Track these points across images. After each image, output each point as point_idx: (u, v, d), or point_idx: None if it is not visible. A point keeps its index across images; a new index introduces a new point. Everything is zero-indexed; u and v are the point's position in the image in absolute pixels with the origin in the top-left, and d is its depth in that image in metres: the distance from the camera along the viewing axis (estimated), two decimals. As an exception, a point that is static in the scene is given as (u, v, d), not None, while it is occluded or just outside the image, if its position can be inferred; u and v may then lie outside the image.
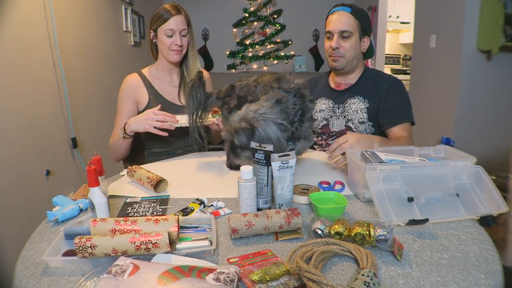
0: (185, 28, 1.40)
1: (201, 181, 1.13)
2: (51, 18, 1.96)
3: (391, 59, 5.21)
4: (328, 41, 1.41)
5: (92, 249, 0.63)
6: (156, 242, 0.64)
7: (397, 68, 5.11)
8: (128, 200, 0.97)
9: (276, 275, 0.60)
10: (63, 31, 2.13)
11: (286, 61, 4.89)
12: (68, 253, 0.69)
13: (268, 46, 4.82)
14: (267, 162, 0.85)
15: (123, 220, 0.70)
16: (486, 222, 0.81)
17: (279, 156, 0.85)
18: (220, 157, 1.37)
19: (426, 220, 0.76)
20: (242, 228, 0.74)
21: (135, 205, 0.94)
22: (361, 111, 1.41)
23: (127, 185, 1.09)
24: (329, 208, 0.84)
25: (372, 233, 0.68)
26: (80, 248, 0.63)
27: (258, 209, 0.87)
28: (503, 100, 2.81)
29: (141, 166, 1.16)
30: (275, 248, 0.72)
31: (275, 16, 4.68)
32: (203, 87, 1.21)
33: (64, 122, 2.11)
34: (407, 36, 4.96)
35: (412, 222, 0.77)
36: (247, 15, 4.70)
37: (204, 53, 4.83)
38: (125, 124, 1.31)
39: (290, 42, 4.83)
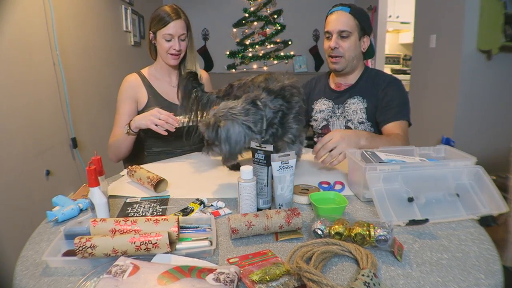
0: (184, 32, 1.41)
1: (201, 181, 1.13)
2: (51, 18, 1.96)
3: (391, 59, 5.21)
4: (327, 41, 1.40)
5: (92, 249, 0.63)
6: (156, 242, 0.64)
7: (397, 68, 5.11)
8: (128, 200, 0.97)
9: (276, 275, 0.60)
10: (63, 31, 2.13)
11: (286, 61, 4.89)
12: (68, 253, 0.69)
13: (268, 46, 4.82)
14: (267, 162, 0.85)
15: (123, 220, 0.70)
16: (486, 222, 0.81)
17: (279, 156, 0.85)
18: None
19: (426, 220, 0.76)
20: (242, 228, 0.74)
21: (135, 205, 0.94)
22: (360, 111, 1.41)
23: (127, 185, 1.09)
24: (329, 208, 0.84)
25: (372, 233, 0.68)
26: (80, 248, 0.63)
27: (258, 209, 0.87)
28: (503, 100, 2.81)
29: (141, 166, 1.16)
30: (275, 248, 0.72)
31: (275, 16, 4.69)
32: (193, 85, 1.21)
33: (64, 122, 2.11)
34: (407, 36, 4.96)
35: (412, 222, 0.77)
36: (247, 15, 4.70)
37: (204, 53, 4.83)
38: (130, 121, 1.32)
39: (290, 42, 4.84)
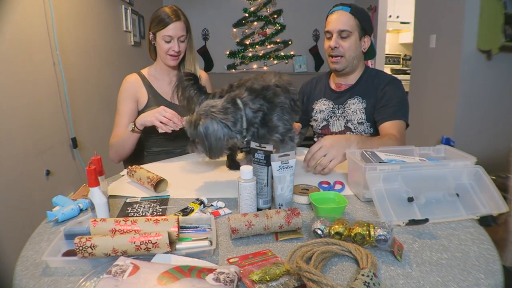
0: (184, 34, 1.41)
1: (201, 181, 1.13)
2: (51, 18, 1.96)
3: (391, 59, 5.21)
4: (328, 41, 1.40)
5: (92, 249, 0.63)
6: (156, 242, 0.64)
7: (397, 68, 5.11)
8: (128, 200, 0.97)
9: (276, 275, 0.60)
10: (63, 31, 2.13)
11: (286, 61, 4.89)
12: (68, 253, 0.69)
13: (268, 46, 4.82)
14: (267, 162, 0.85)
15: (123, 220, 0.70)
16: (486, 222, 0.81)
17: (279, 156, 0.85)
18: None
19: (426, 220, 0.76)
20: (242, 228, 0.74)
21: (135, 205, 0.94)
22: (359, 111, 1.41)
23: (127, 185, 1.10)
24: (329, 208, 0.84)
25: (372, 233, 0.68)
26: (80, 248, 0.63)
27: (258, 209, 0.87)
28: (503, 100, 2.81)
29: (141, 166, 1.16)
30: (275, 248, 0.72)
31: (275, 16, 4.69)
32: (191, 86, 1.20)
33: (64, 122, 2.11)
34: (407, 36, 4.96)
35: (412, 222, 0.77)
36: (247, 15, 4.70)
37: (204, 53, 4.83)
38: (135, 119, 1.33)
39: (290, 42, 4.84)
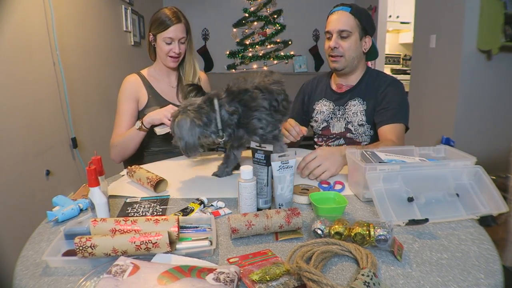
0: (184, 36, 1.42)
1: (201, 181, 1.13)
2: (51, 18, 1.95)
3: (391, 59, 5.22)
4: (328, 41, 1.40)
5: (92, 249, 0.63)
6: (156, 242, 0.64)
7: (397, 68, 5.11)
8: (128, 200, 0.97)
9: (276, 275, 0.60)
10: (63, 31, 2.13)
11: (286, 61, 4.89)
12: (68, 253, 0.69)
13: (268, 46, 4.82)
14: (267, 162, 0.85)
15: (123, 220, 0.70)
16: (486, 222, 0.81)
17: (279, 156, 0.85)
18: (220, 157, 1.38)
19: (426, 220, 0.76)
20: (242, 228, 0.74)
21: (135, 205, 0.94)
22: (360, 113, 1.40)
23: (127, 185, 1.10)
24: (329, 208, 0.84)
25: (372, 233, 0.68)
26: (80, 248, 0.63)
27: (258, 209, 0.87)
28: (503, 100, 2.81)
29: (141, 166, 1.16)
30: (275, 248, 0.72)
31: (275, 16, 4.68)
32: (195, 96, 1.19)
33: (64, 122, 2.11)
34: (407, 36, 4.96)
35: (412, 222, 0.77)
36: (247, 15, 4.70)
37: (204, 53, 4.82)
38: (142, 117, 1.33)
39: (290, 42, 4.83)
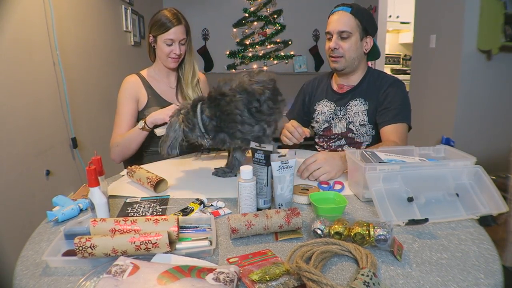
0: (185, 37, 1.43)
1: (201, 181, 1.13)
2: (51, 18, 1.96)
3: (391, 59, 5.22)
4: (329, 42, 1.40)
5: (92, 249, 0.63)
6: (156, 242, 0.64)
7: (397, 68, 5.11)
8: (128, 200, 0.97)
9: (276, 275, 0.60)
10: (63, 31, 2.13)
11: (286, 61, 4.88)
12: (68, 253, 0.69)
13: (268, 46, 4.82)
14: (267, 162, 0.85)
15: (123, 220, 0.70)
16: (486, 222, 0.81)
17: (279, 156, 0.85)
18: (220, 157, 1.38)
19: (426, 220, 0.76)
20: (242, 228, 0.74)
21: (135, 205, 0.94)
22: (361, 113, 1.40)
23: (127, 185, 1.10)
24: (329, 208, 0.84)
25: (372, 233, 0.68)
26: (80, 248, 0.63)
27: (258, 209, 0.87)
28: (503, 100, 2.81)
29: (141, 166, 1.16)
30: (275, 248, 0.72)
31: (275, 16, 4.68)
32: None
33: (64, 122, 2.11)
34: (407, 36, 4.96)
35: (412, 222, 0.77)
36: (247, 15, 4.69)
37: (204, 53, 4.83)
38: (145, 117, 1.34)
39: (290, 42, 4.83)
